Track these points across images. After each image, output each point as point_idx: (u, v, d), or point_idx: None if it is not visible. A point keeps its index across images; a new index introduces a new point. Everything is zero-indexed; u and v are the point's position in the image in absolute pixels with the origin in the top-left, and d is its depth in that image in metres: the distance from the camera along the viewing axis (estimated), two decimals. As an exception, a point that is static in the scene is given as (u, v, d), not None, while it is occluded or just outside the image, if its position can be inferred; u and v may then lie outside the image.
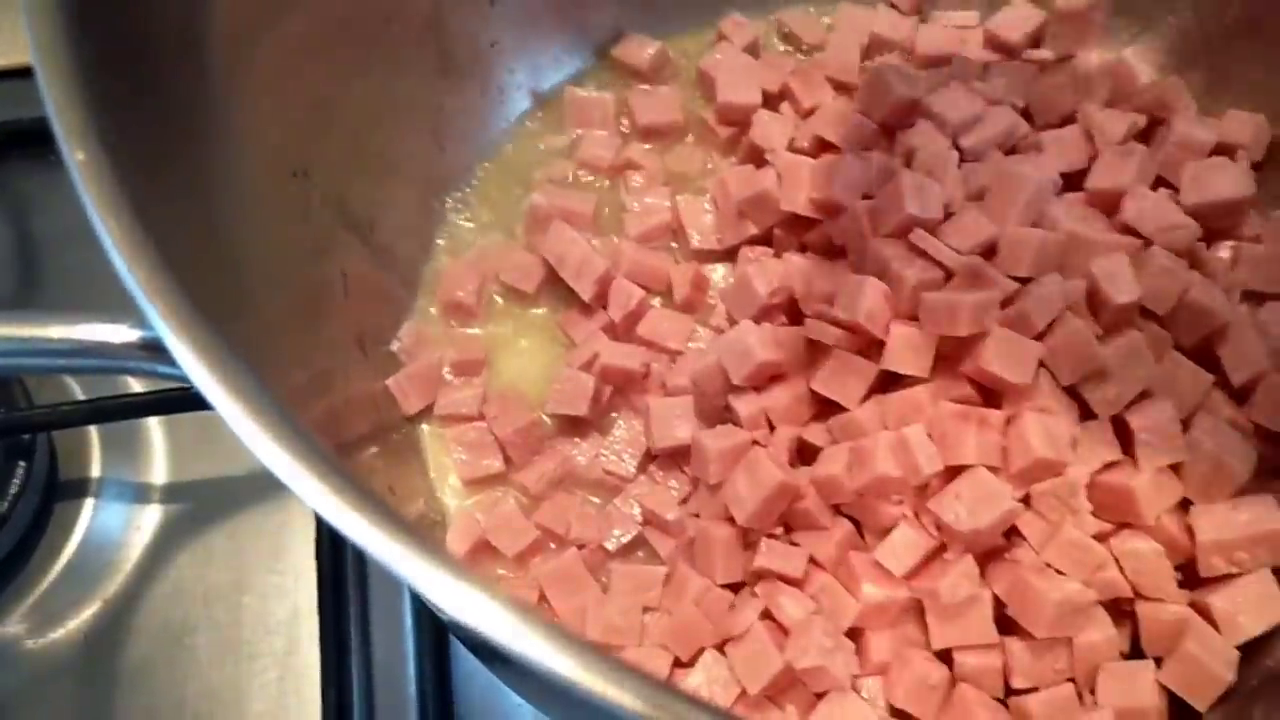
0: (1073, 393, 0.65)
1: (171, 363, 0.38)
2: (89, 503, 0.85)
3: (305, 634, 0.80)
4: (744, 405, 0.68)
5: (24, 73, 0.97)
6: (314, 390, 0.64)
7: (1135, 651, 0.64)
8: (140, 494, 0.85)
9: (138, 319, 0.44)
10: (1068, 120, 0.78)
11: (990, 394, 0.65)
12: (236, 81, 0.59)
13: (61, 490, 0.85)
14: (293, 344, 0.63)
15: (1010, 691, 0.63)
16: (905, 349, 0.65)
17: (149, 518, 0.85)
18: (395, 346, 0.75)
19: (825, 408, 0.68)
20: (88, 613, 0.82)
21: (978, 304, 0.63)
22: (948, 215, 0.70)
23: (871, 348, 0.67)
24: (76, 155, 0.36)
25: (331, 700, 0.77)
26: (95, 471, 0.86)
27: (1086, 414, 0.65)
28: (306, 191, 0.66)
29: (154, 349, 0.43)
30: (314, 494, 0.37)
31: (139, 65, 0.48)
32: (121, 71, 0.45)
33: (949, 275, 0.67)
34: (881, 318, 0.66)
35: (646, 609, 0.67)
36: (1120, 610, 0.64)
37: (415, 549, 0.36)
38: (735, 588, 0.67)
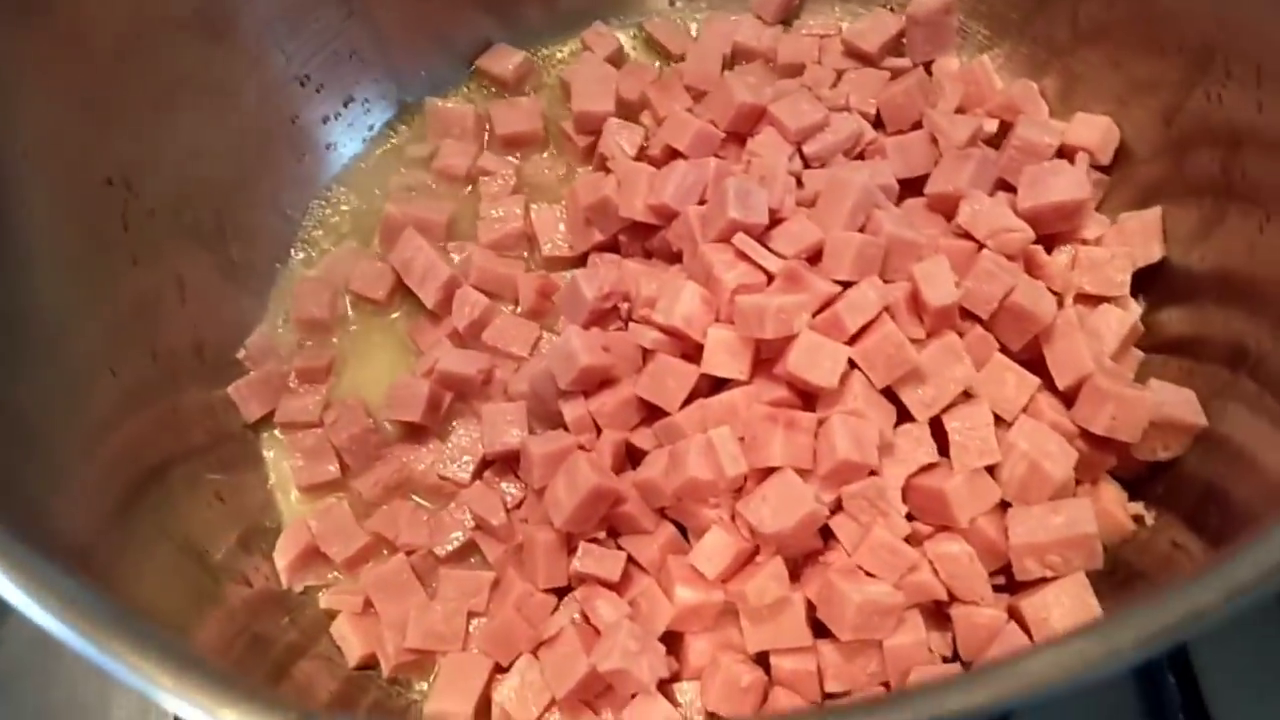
0: (892, 396, 0.65)
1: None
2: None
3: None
4: (570, 409, 0.68)
5: None
6: (133, 404, 0.64)
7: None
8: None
9: None
10: (917, 126, 0.78)
11: (808, 397, 0.65)
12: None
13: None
14: (107, 358, 0.63)
15: (826, 695, 0.63)
16: (722, 352, 0.65)
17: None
18: (241, 354, 0.76)
19: (655, 412, 0.68)
20: (-43, 621, 0.82)
21: (783, 307, 0.62)
22: (780, 220, 0.70)
23: (696, 351, 0.67)
24: None
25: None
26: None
27: (906, 417, 0.65)
28: (126, 200, 0.66)
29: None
30: None
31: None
32: None
33: (771, 279, 0.67)
34: (700, 321, 0.66)
35: (473, 614, 0.67)
36: (942, 614, 0.64)
37: None
38: (562, 593, 0.67)
